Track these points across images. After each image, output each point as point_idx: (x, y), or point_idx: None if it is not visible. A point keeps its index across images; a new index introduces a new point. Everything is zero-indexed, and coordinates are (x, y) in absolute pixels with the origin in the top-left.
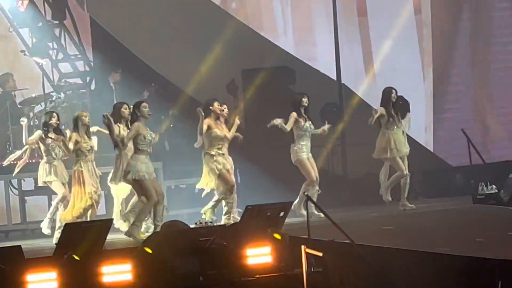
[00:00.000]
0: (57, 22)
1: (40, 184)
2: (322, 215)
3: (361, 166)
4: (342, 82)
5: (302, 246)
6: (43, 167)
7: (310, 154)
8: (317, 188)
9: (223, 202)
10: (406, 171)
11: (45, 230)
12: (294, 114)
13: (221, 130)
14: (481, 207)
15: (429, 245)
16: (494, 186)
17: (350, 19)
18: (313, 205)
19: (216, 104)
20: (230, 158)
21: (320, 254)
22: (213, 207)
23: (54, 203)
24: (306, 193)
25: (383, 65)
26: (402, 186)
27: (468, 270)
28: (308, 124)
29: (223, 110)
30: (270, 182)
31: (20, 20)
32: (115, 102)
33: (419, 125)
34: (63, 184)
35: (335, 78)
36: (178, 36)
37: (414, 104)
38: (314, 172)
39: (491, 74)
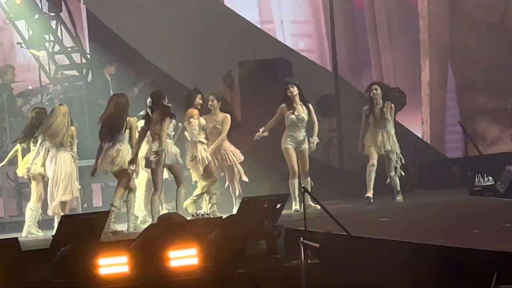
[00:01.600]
0: (53, 14)
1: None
2: (318, 206)
3: (357, 158)
4: (339, 74)
5: (299, 238)
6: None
7: (304, 145)
8: (308, 180)
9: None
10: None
11: None
12: (281, 106)
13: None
14: (478, 199)
15: (426, 237)
16: (490, 178)
17: (346, 11)
18: (309, 196)
19: (197, 97)
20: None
21: (317, 245)
22: (195, 201)
23: None
24: (302, 185)
25: (380, 57)
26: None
27: (465, 261)
28: (293, 116)
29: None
30: (266, 174)
31: (16, 12)
32: (111, 94)
33: (416, 117)
34: None
35: (331, 70)
36: (174, 28)
37: (410, 96)
38: (302, 165)
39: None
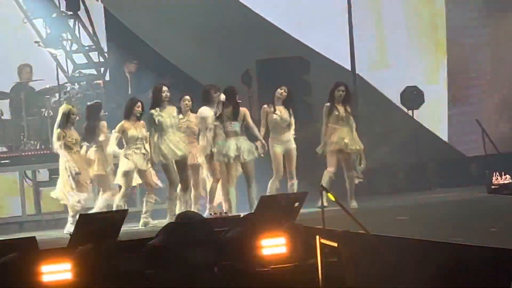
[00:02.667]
0: (71, 13)
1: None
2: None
3: (375, 156)
4: (357, 72)
5: (317, 237)
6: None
7: (291, 145)
8: (293, 182)
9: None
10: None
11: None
12: (263, 108)
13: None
14: (496, 197)
15: (443, 235)
16: (508, 176)
17: (364, 9)
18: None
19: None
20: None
21: (335, 244)
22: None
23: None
24: (321, 183)
25: (397, 56)
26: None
27: (483, 260)
28: (276, 116)
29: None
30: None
31: (34, 11)
32: (129, 92)
33: (434, 115)
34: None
35: (349, 68)
36: (193, 27)
37: (428, 95)
38: (289, 166)
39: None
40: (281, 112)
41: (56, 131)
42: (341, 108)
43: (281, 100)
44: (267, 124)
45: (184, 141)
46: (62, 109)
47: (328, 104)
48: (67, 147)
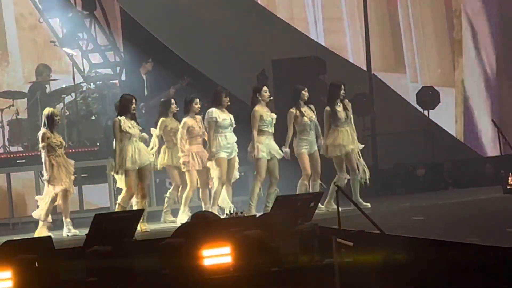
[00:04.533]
0: (87, 12)
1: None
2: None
3: (391, 156)
4: (372, 72)
5: (333, 236)
6: (163, 151)
7: (314, 147)
8: (318, 181)
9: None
10: (354, 171)
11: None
12: (291, 112)
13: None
14: (511, 197)
15: (459, 235)
16: None
17: (380, 9)
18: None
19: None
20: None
21: (351, 244)
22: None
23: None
24: (336, 183)
25: (414, 55)
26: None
27: (498, 260)
28: (306, 118)
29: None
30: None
31: (50, 11)
32: (145, 93)
33: (449, 115)
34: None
35: (365, 69)
36: (209, 27)
37: (444, 94)
38: (315, 167)
39: None
40: (307, 113)
41: (41, 131)
42: (342, 109)
43: (304, 101)
44: (294, 127)
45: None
46: (46, 111)
47: (328, 108)
48: (52, 149)
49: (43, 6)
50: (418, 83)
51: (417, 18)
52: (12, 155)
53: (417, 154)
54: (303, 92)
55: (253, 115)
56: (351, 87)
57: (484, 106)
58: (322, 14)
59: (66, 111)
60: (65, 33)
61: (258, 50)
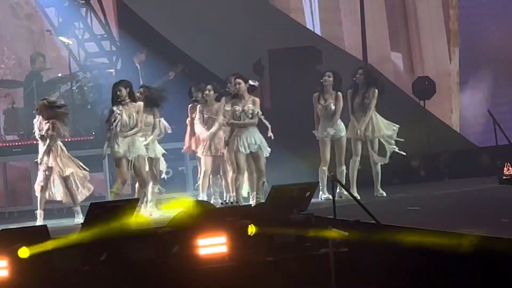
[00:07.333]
0: (83, 1)
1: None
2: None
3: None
4: (368, 62)
5: (328, 226)
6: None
7: (340, 132)
8: (343, 168)
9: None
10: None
11: None
12: (315, 95)
13: None
14: (507, 188)
15: (455, 225)
16: None
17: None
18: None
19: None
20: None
21: (346, 234)
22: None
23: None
24: (332, 173)
25: (409, 45)
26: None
27: (494, 250)
28: (321, 104)
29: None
30: (296, 162)
31: (46, 0)
32: (141, 82)
33: (445, 105)
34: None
35: (361, 58)
36: (204, 16)
37: (440, 85)
38: (338, 155)
39: None
40: (328, 99)
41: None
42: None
43: (327, 86)
44: (317, 113)
45: None
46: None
47: (351, 90)
48: (43, 138)
49: None
50: (414, 74)
51: (413, 8)
52: (8, 144)
53: (412, 144)
54: (323, 77)
55: None
56: (347, 77)
57: (480, 96)
58: (319, 4)
59: (62, 100)
60: (61, 22)
61: (255, 39)
